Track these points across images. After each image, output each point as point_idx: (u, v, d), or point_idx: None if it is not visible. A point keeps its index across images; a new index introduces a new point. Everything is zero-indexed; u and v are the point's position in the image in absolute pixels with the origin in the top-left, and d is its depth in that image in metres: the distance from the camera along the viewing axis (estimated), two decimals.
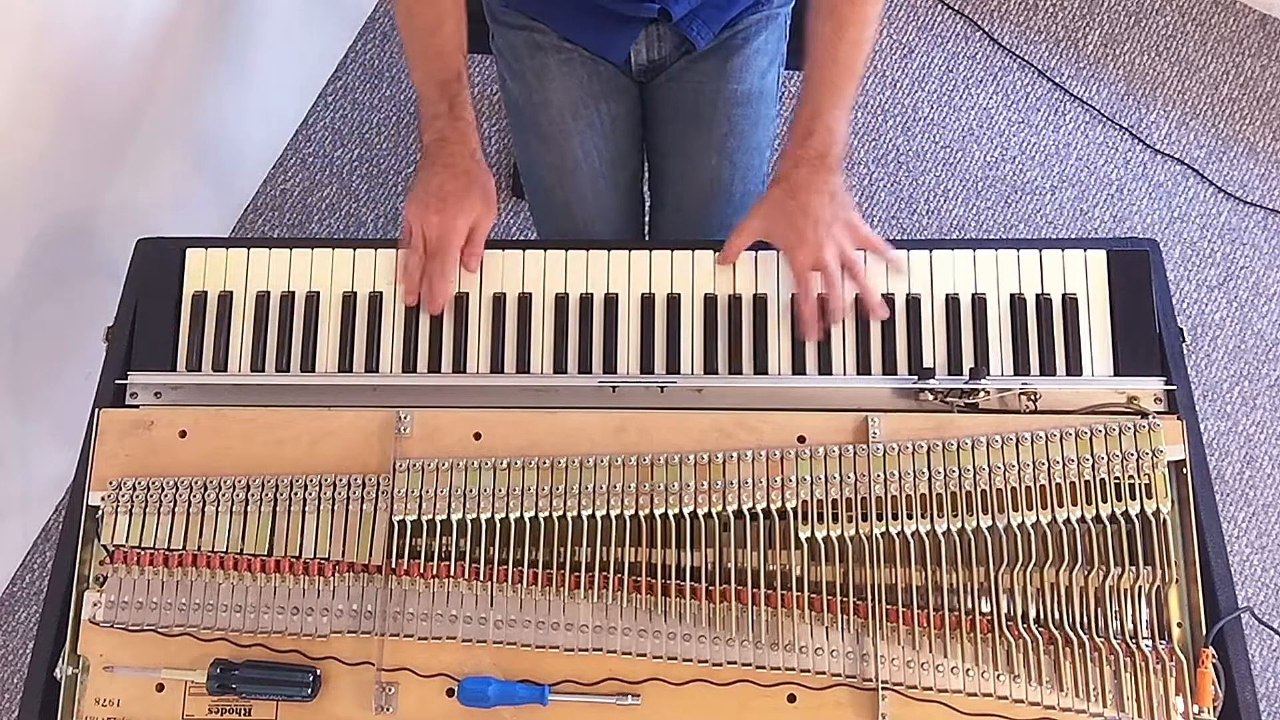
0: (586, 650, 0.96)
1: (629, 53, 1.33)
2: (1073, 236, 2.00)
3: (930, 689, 0.94)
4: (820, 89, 1.14)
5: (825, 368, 1.09)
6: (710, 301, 1.12)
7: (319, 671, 0.97)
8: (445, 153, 1.16)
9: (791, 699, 0.95)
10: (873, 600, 0.95)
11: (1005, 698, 0.94)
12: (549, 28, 1.33)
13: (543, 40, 1.33)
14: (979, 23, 2.13)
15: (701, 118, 1.33)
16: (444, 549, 1.00)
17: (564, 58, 1.32)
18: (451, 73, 1.17)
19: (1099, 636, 0.94)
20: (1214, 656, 0.94)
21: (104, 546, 1.01)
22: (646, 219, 1.47)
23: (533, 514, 0.99)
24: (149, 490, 1.01)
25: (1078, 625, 0.95)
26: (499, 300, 1.12)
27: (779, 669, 0.95)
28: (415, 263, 1.12)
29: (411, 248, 1.13)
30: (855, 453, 0.99)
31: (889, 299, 1.11)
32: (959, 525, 0.97)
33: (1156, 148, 2.05)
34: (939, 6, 2.14)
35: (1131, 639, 0.94)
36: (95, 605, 0.99)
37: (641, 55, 1.34)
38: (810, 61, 1.16)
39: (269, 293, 1.13)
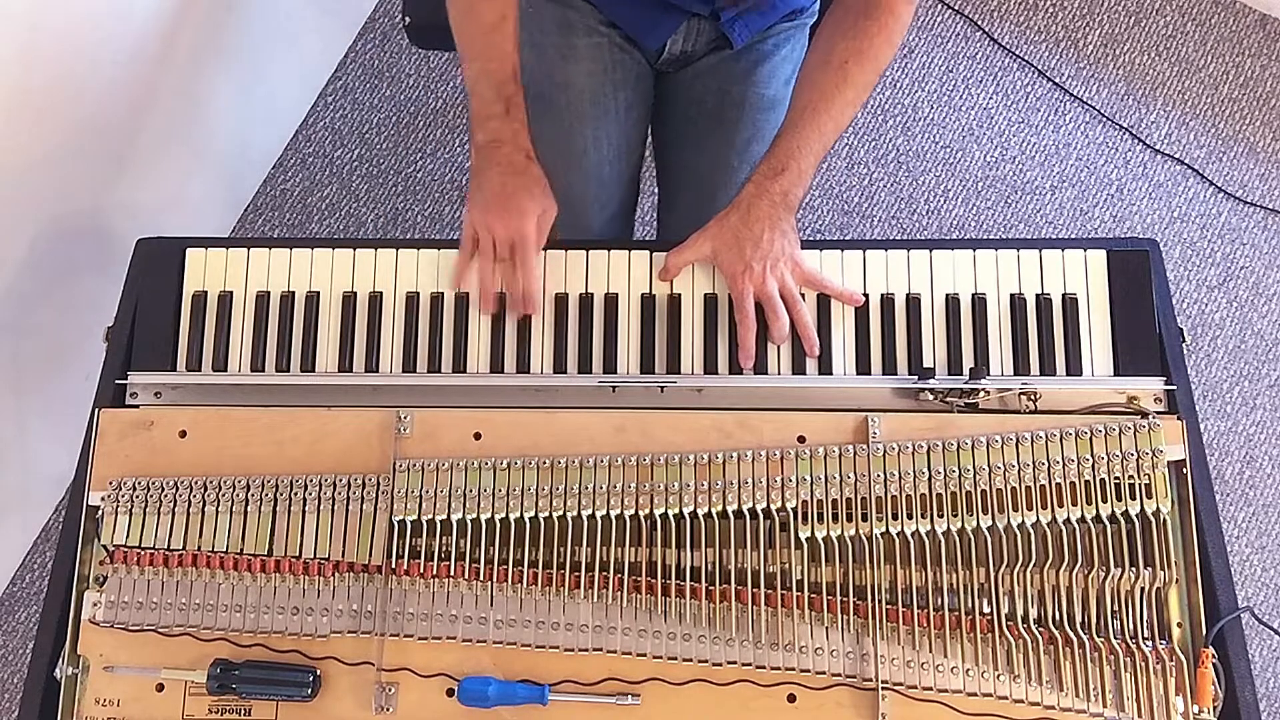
0: (586, 650, 0.96)
1: (665, 42, 1.33)
2: (1073, 236, 2.00)
3: (930, 689, 0.94)
4: (804, 132, 1.13)
5: (825, 368, 1.09)
6: (710, 301, 1.12)
7: (319, 671, 0.97)
8: (500, 154, 1.14)
9: (791, 699, 0.95)
10: (873, 600, 0.95)
11: (1005, 698, 0.94)
12: (589, 6, 1.31)
13: (575, 20, 1.31)
14: (979, 23, 2.13)
15: (726, 118, 1.33)
16: (444, 549, 1.00)
17: (593, 41, 1.31)
18: (509, 72, 1.15)
19: (1099, 636, 0.94)
20: (1214, 656, 0.94)
21: (104, 546, 1.01)
22: (657, 213, 1.47)
23: (533, 514, 0.99)
24: (149, 490, 1.01)
25: (1078, 625, 0.95)
26: (499, 300, 1.12)
27: (779, 669, 0.95)
28: (489, 269, 1.11)
29: (483, 254, 1.12)
30: (855, 453, 0.99)
31: (889, 299, 1.11)
32: (959, 525, 0.97)
33: (1156, 148, 2.05)
34: (939, 6, 2.14)
35: (1131, 639, 0.94)
36: (95, 605, 0.99)
37: (677, 45, 1.33)
38: (802, 103, 1.15)
39: (269, 293, 1.13)
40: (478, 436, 1.03)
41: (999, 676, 0.94)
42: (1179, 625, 0.96)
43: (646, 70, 1.36)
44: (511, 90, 1.15)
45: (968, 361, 1.09)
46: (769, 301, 1.08)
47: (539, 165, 1.16)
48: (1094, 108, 2.07)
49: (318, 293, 1.13)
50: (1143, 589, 0.95)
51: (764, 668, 0.95)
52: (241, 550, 1.00)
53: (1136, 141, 2.05)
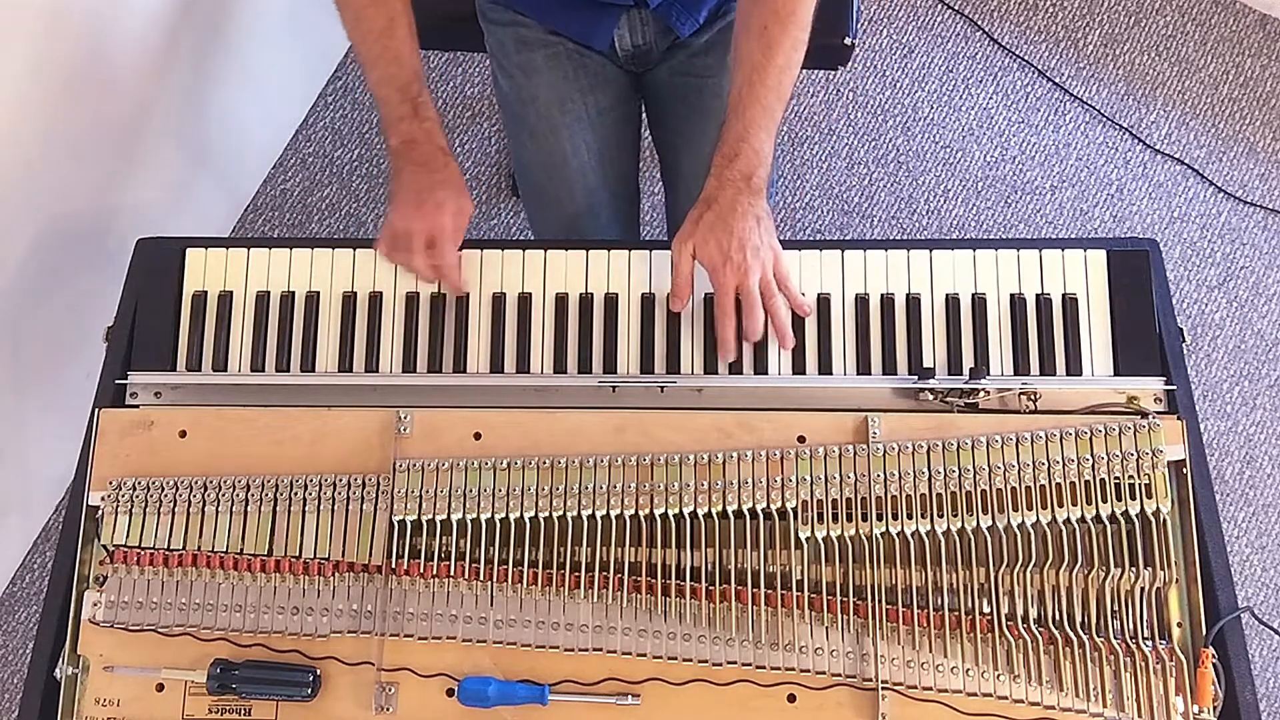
0: (586, 650, 0.96)
1: (613, 39, 1.32)
2: (1073, 236, 2.00)
3: (930, 689, 0.94)
4: (749, 111, 1.11)
5: (825, 368, 1.09)
6: (710, 301, 1.12)
7: (319, 671, 0.97)
8: (416, 153, 1.15)
9: (791, 699, 0.95)
10: (873, 600, 0.95)
11: (1005, 698, 0.94)
12: (534, 21, 1.32)
13: (529, 35, 1.32)
14: (979, 23, 2.13)
15: (709, 112, 1.33)
16: (444, 549, 1.00)
17: (550, 52, 1.32)
18: (410, 74, 1.16)
19: (1099, 636, 0.94)
20: (1214, 656, 0.94)
21: (104, 546, 1.01)
22: (666, 213, 1.47)
23: (533, 514, 0.99)
24: (149, 490, 1.01)
25: (1078, 625, 0.95)
26: (499, 300, 1.12)
27: (779, 669, 0.95)
28: (424, 264, 1.12)
29: (399, 251, 1.12)
30: (855, 453, 0.99)
31: (889, 299, 1.11)
32: (959, 525, 0.97)
33: (1156, 148, 2.05)
34: (939, 6, 2.14)
35: (1131, 639, 0.94)
36: (95, 605, 0.99)
37: (625, 41, 1.33)
38: (738, 83, 1.14)
39: (269, 293, 1.13)
40: (478, 436, 1.03)
41: (999, 676, 0.94)
42: (1179, 625, 0.96)
43: (615, 72, 1.36)
44: (416, 91, 1.16)
45: (968, 361, 1.09)
46: (747, 297, 1.07)
47: (455, 163, 1.16)
48: (1094, 108, 2.07)
49: (318, 293, 1.13)
50: (1143, 589, 0.95)
51: (764, 668, 0.95)
52: (241, 550, 1.00)
53: (1136, 141, 2.05)
